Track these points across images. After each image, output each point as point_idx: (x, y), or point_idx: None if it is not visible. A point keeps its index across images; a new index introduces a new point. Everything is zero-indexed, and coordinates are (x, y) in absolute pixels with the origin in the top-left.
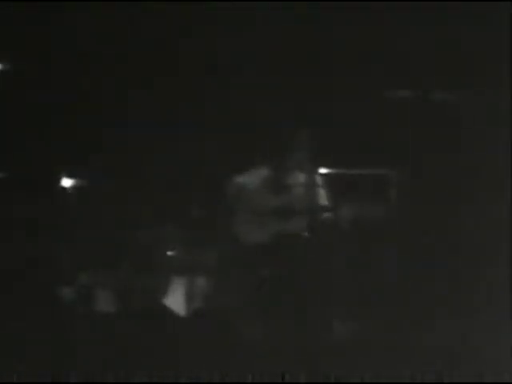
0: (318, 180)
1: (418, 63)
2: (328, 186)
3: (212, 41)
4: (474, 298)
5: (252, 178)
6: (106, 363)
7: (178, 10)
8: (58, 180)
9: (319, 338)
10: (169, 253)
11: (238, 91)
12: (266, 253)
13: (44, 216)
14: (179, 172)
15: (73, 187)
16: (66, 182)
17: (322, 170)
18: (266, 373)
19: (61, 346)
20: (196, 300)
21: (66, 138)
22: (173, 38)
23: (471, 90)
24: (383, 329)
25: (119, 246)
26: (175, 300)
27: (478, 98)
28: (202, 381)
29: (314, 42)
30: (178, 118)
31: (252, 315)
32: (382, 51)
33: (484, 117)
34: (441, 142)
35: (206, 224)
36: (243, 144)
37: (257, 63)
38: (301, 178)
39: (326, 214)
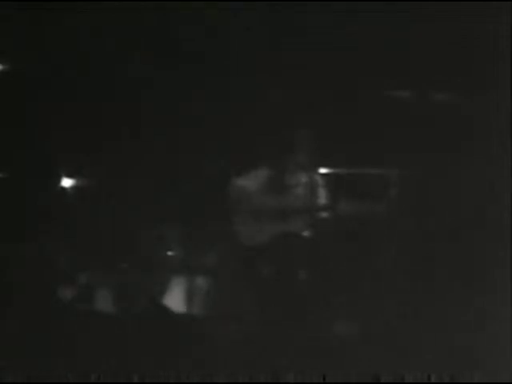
0: (318, 180)
1: (418, 63)
2: (328, 186)
3: (212, 40)
4: (474, 297)
5: (252, 178)
6: (106, 363)
7: (177, 9)
8: (58, 180)
9: (319, 338)
10: (169, 253)
11: (238, 91)
12: (265, 253)
13: (44, 216)
14: (179, 172)
15: (73, 187)
16: (66, 182)
17: (322, 170)
18: (266, 373)
19: (61, 345)
20: (196, 300)
21: (66, 137)
22: (173, 38)
23: (471, 90)
24: (383, 329)
25: (119, 246)
26: (175, 300)
27: (478, 98)
28: (202, 381)
29: (313, 41)
30: (178, 117)
31: (252, 315)
32: (383, 51)
33: (484, 117)
34: (441, 142)
35: (206, 224)
36: (243, 144)
37: (257, 63)
38: (301, 178)
39: (326, 214)
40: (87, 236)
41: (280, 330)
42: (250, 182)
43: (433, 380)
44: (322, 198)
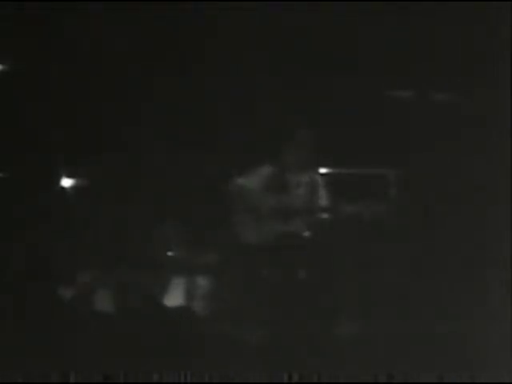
0: (319, 180)
1: (418, 63)
2: (328, 186)
3: (212, 40)
4: (473, 297)
5: (252, 178)
6: (107, 363)
7: (177, 10)
8: (58, 180)
9: (319, 337)
10: (169, 253)
11: (238, 91)
12: (265, 253)
13: (44, 216)
14: (179, 172)
15: (73, 187)
16: (66, 182)
17: (323, 170)
18: (266, 373)
19: (61, 345)
20: (196, 300)
21: (66, 138)
22: (173, 38)
23: (471, 90)
24: (383, 328)
25: (119, 246)
26: (175, 300)
27: (478, 97)
28: (202, 380)
29: (314, 41)
30: (178, 117)
31: (252, 315)
32: (382, 51)
33: (484, 117)
34: (441, 142)
35: (206, 224)
36: (243, 144)
37: (257, 63)
38: (301, 177)
39: (327, 214)
40: (87, 236)
41: (280, 329)
42: (251, 182)
43: (432, 380)
44: (323, 197)
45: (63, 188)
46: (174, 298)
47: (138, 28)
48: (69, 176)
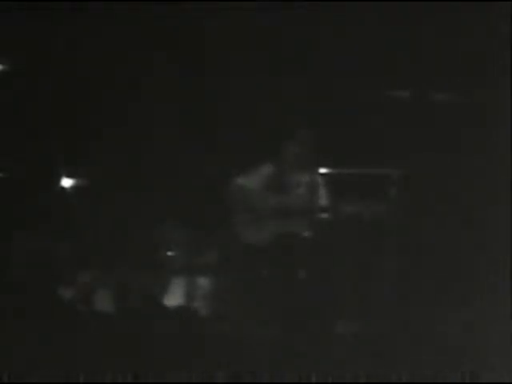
0: (319, 180)
1: (418, 63)
2: (328, 186)
3: (212, 40)
4: (474, 297)
5: (252, 178)
6: (106, 363)
7: (177, 10)
8: (58, 180)
9: (320, 338)
10: (169, 253)
11: (238, 91)
12: (266, 253)
13: (44, 216)
14: (179, 172)
15: (73, 187)
16: (66, 182)
17: (323, 170)
18: (266, 373)
19: (61, 346)
20: (196, 300)
21: (66, 137)
22: (172, 38)
23: (471, 90)
24: (383, 328)
25: (119, 246)
26: (175, 300)
27: (478, 97)
28: (202, 380)
29: (314, 41)
30: (178, 117)
31: (252, 315)
32: (382, 51)
33: (484, 117)
34: (440, 142)
35: (206, 224)
36: (243, 144)
37: (257, 63)
38: (301, 177)
39: (326, 214)
40: (87, 236)
41: (280, 329)
42: (251, 182)
43: (433, 380)
44: (323, 197)
45: (63, 188)
46: (174, 298)
47: (138, 28)
48: (69, 176)
